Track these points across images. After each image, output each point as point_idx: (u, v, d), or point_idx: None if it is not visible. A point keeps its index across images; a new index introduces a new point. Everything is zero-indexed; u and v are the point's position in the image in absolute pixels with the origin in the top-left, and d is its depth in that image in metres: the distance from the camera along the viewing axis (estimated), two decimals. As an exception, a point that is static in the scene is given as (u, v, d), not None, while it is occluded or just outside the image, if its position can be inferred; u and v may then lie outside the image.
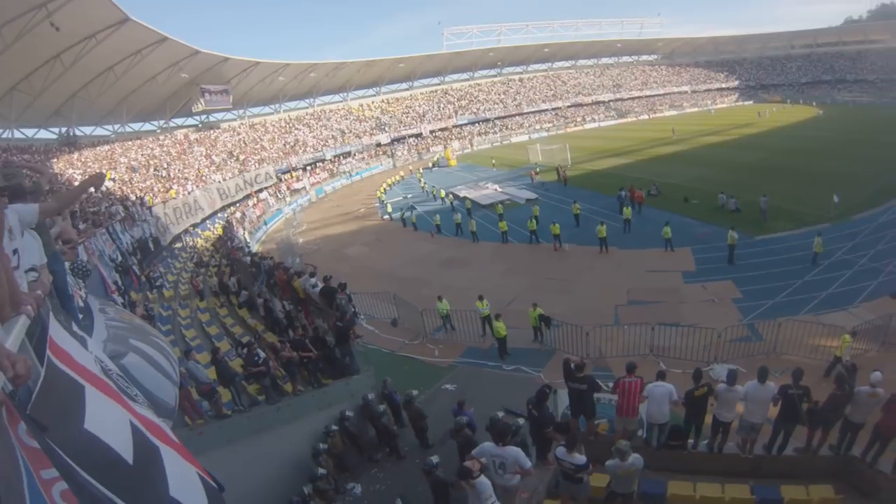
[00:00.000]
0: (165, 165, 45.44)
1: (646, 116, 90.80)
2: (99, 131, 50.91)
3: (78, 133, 46.81)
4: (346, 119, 76.48)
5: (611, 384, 9.86)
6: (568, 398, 9.92)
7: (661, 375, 8.75)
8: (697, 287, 19.20)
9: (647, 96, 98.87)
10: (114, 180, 36.39)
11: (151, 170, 43.19)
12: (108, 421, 2.50)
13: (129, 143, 48.91)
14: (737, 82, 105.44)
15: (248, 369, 11.20)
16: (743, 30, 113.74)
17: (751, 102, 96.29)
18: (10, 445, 1.74)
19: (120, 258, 20.11)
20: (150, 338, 6.09)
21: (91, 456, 2.23)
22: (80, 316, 4.95)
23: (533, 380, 14.07)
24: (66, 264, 5.47)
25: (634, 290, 19.58)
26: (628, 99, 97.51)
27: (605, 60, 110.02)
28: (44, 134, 44.61)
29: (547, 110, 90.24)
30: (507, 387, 13.88)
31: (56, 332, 2.91)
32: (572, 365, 9.14)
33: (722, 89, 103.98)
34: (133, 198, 32.46)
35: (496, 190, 40.98)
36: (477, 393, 13.31)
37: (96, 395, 2.63)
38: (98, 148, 44.99)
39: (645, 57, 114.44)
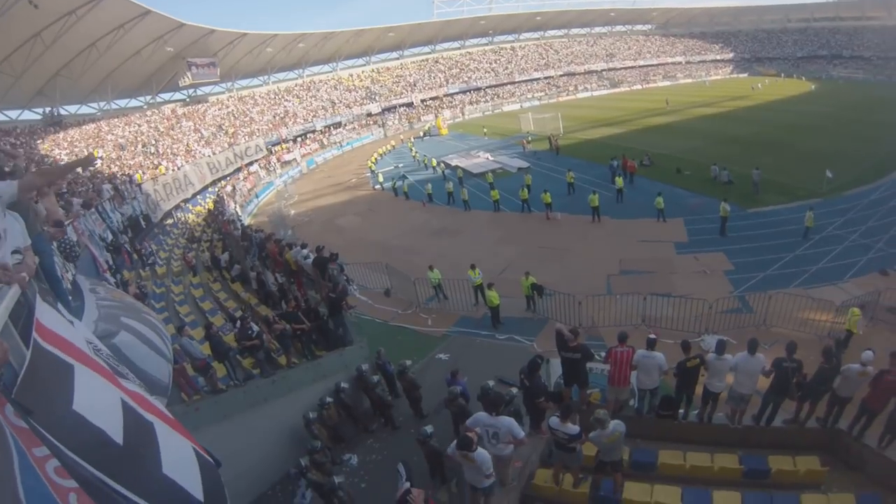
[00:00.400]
0: (154, 142, 44.68)
1: (639, 86, 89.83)
2: (84, 109, 49.58)
3: (63, 112, 45.78)
4: (336, 89, 75.32)
5: (603, 354, 9.84)
6: (561, 367, 9.89)
7: (650, 343, 8.70)
8: (689, 258, 19.18)
9: (640, 66, 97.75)
10: (102, 158, 35.74)
11: (140, 146, 42.44)
12: (98, 400, 2.54)
13: (116, 120, 47.81)
14: (732, 54, 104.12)
15: (241, 343, 11.08)
16: (739, 1, 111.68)
17: (746, 75, 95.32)
18: None
19: (111, 237, 19.83)
20: (142, 315, 6.05)
21: (78, 437, 2.26)
22: (70, 298, 4.82)
23: (526, 349, 14.07)
24: (53, 245, 5.32)
25: (627, 259, 19.54)
26: (622, 69, 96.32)
27: (598, 30, 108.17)
28: (28, 115, 43.44)
29: (539, 79, 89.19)
30: (501, 356, 13.92)
31: (43, 313, 2.94)
32: (566, 333, 9.06)
33: (717, 61, 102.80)
34: (122, 176, 31.99)
35: (488, 159, 40.57)
36: (470, 362, 13.31)
37: (87, 375, 2.65)
38: (84, 126, 43.90)
39: (639, 27, 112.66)
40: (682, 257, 19.39)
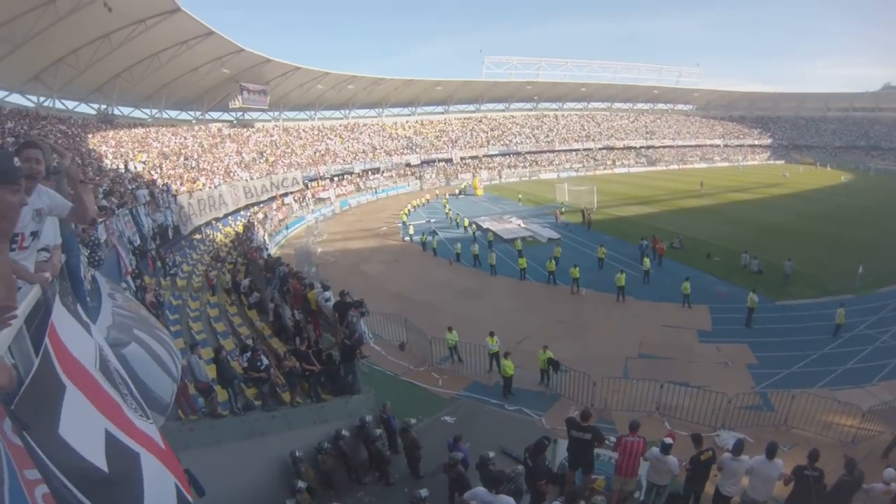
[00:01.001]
0: (196, 156, 46.07)
1: (675, 166, 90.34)
2: (136, 113, 52.18)
3: (116, 112, 47.93)
4: (379, 135, 77.15)
5: (613, 439, 9.62)
6: (567, 449, 9.70)
7: (665, 448, 8.44)
8: (711, 347, 18.73)
9: (678, 146, 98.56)
10: (144, 163, 36.93)
11: (182, 159, 43.73)
12: (81, 428, 2.44)
13: (164, 129, 49.82)
14: (770, 140, 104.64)
15: (249, 373, 11.17)
16: (780, 87, 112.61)
17: (782, 161, 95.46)
18: None
19: (139, 241, 20.38)
20: (154, 331, 6.07)
21: (66, 460, 2.18)
22: (88, 299, 4.93)
23: (534, 423, 13.81)
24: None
25: (647, 343, 19.17)
26: (660, 147, 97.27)
27: (640, 106, 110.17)
28: (83, 108, 45.53)
29: (578, 150, 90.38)
30: (508, 427, 13.61)
31: (59, 317, 2.88)
32: (577, 414, 8.92)
33: (755, 146, 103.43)
34: (160, 183, 32.81)
35: (519, 225, 40.85)
36: (476, 429, 13.10)
37: (75, 398, 2.56)
38: (133, 129, 45.81)
39: (680, 106, 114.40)
40: (704, 346, 18.94)
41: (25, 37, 30.73)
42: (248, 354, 11.47)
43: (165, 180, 34.68)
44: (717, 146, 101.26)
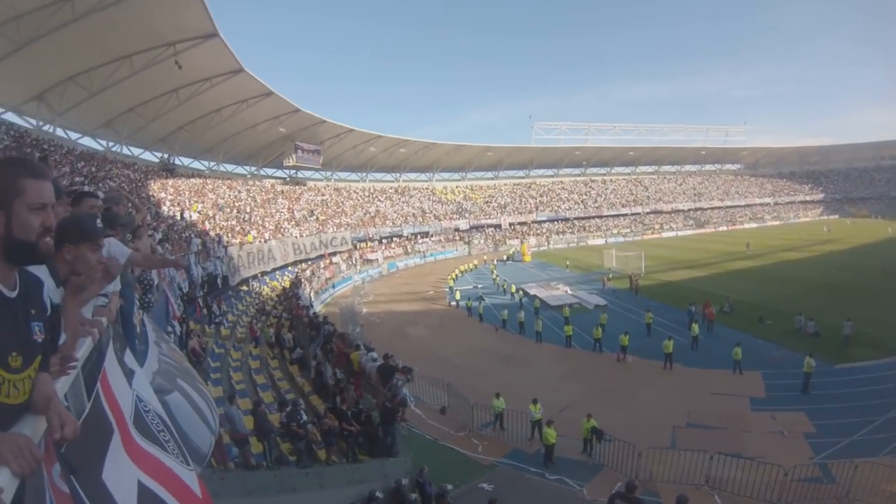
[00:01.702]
0: (248, 210, 48.01)
1: (725, 228, 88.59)
2: (195, 164, 55.32)
3: (177, 162, 50.74)
4: (429, 199, 78.72)
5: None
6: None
7: None
8: (766, 416, 17.69)
9: (727, 207, 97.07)
10: (199, 213, 38.80)
11: (235, 211, 45.70)
12: (119, 475, 2.40)
13: (220, 181, 52.50)
14: (822, 195, 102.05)
15: (286, 427, 11.24)
16: (830, 140, 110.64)
17: (836, 216, 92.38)
18: (41, 488, 1.65)
19: (188, 288, 20.88)
20: (195, 384, 6.22)
21: None
22: (136, 341, 5.19)
23: (575, 493, 13.33)
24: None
25: (696, 412, 18.30)
26: (708, 209, 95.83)
27: (688, 167, 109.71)
28: (147, 156, 48.56)
29: (626, 215, 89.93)
30: (547, 497, 13.22)
31: (110, 364, 2.92)
32: (622, 485, 8.64)
33: (805, 202, 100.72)
34: (212, 234, 34.20)
35: (566, 292, 40.44)
36: (515, 498, 12.73)
37: (118, 444, 2.55)
38: (191, 179, 48.53)
39: (728, 166, 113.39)
40: (757, 414, 17.92)
41: (102, 86, 33.72)
42: (289, 408, 11.64)
43: (218, 231, 36.36)
44: (768, 204, 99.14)
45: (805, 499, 12.50)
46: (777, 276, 42.02)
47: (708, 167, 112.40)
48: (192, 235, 29.41)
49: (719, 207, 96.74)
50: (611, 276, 45.37)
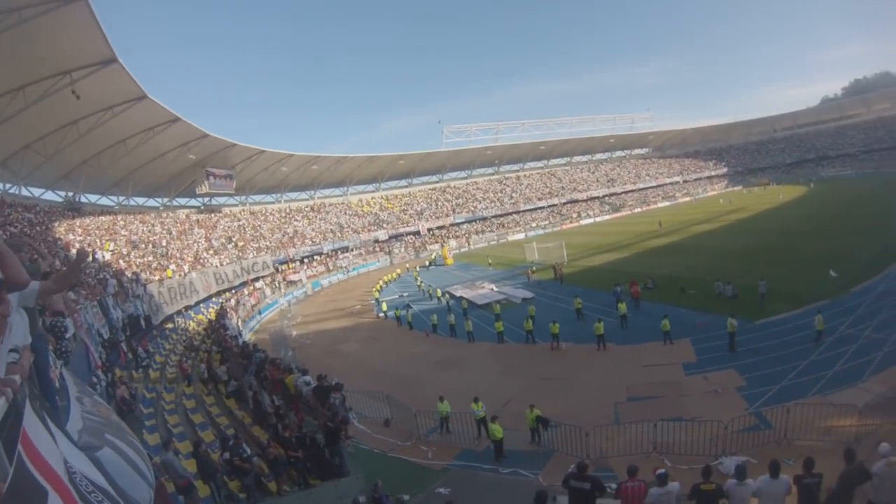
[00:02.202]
0: (164, 244, 46.10)
1: (640, 209, 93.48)
2: (103, 201, 52.21)
3: (83, 200, 47.79)
4: (346, 214, 78.69)
5: (614, 486, 9.38)
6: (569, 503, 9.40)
7: (662, 479, 8.27)
8: (699, 378, 18.67)
9: (640, 189, 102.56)
10: (112, 252, 36.72)
11: (150, 246, 43.69)
12: None
13: (132, 216, 49.88)
14: (725, 169, 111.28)
15: (230, 463, 10.76)
16: (727, 118, 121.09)
17: (740, 188, 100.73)
18: None
19: (108, 334, 20.09)
20: (126, 436, 5.97)
21: None
22: (57, 397, 4.80)
23: (531, 482, 13.43)
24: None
25: (634, 386, 19.03)
26: (622, 193, 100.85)
27: (598, 156, 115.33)
28: (50, 195, 45.22)
29: (543, 208, 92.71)
30: (505, 490, 13.29)
31: (30, 422, 2.79)
32: (574, 466, 8.71)
33: (711, 177, 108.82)
34: (129, 273, 32.49)
35: (492, 290, 41.05)
36: (473, 496, 12.83)
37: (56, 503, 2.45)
38: (100, 217, 45.69)
39: (637, 151, 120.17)
40: (691, 378, 18.87)
41: (-8, 124, 30.97)
42: (230, 443, 11.15)
43: (135, 269, 34.56)
44: (677, 183, 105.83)
45: (747, 446, 13.23)
46: (692, 248, 44.93)
47: (618, 153, 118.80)
48: (108, 276, 27.77)
49: (633, 190, 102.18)
50: (534, 268, 46.44)
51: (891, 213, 44.51)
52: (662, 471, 8.49)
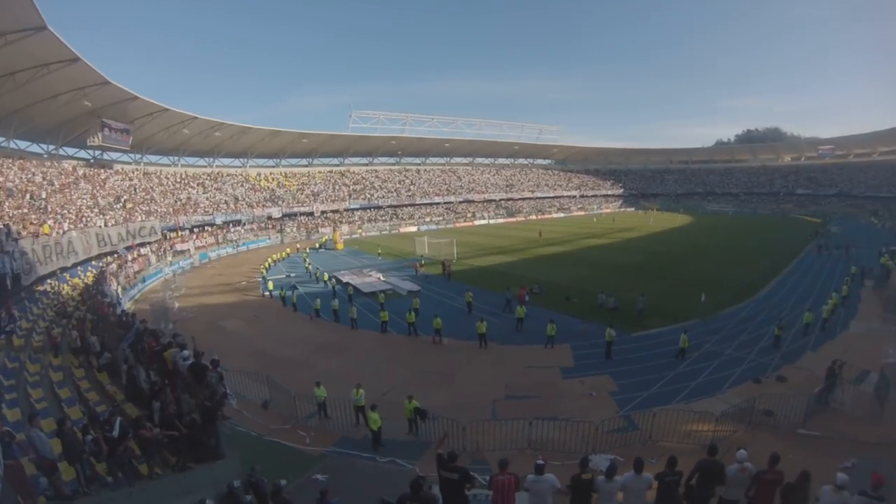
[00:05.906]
0: (44, 196, 42.34)
1: (534, 217, 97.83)
2: None
3: None
4: (242, 186, 76.84)
5: (487, 478, 9.88)
6: (440, 490, 9.80)
7: (539, 469, 8.81)
8: (575, 382, 20.02)
9: (537, 198, 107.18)
10: None
11: (28, 197, 39.92)
12: None
13: (10, 160, 45.19)
14: (622, 190, 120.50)
15: (99, 444, 10.18)
16: (629, 144, 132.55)
17: (633, 209, 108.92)
18: None
19: None
20: None
21: None
22: None
23: (408, 472, 13.76)
24: None
25: (513, 385, 19.99)
26: (519, 199, 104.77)
27: (501, 161, 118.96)
28: None
29: (439, 204, 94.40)
30: (382, 478, 13.44)
31: None
32: (445, 454, 9.10)
33: (608, 195, 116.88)
34: (0, 224, 29.54)
35: (379, 279, 41.38)
36: (350, 483, 12.89)
37: None
38: None
39: (540, 161, 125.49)
40: (568, 381, 20.18)
41: None
42: (101, 420, 10.55)
43: (7, 220, 31.59)
44: (574, 196, 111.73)
45: (615, 445, 14.42)
46: (581, 259, 48.26)
47: (521, 161, 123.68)
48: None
49: (530, 198, 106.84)
50: (423, 262, 47.52)
51: (763, 250, 51.10)
52: (541, 461, 9.11)
